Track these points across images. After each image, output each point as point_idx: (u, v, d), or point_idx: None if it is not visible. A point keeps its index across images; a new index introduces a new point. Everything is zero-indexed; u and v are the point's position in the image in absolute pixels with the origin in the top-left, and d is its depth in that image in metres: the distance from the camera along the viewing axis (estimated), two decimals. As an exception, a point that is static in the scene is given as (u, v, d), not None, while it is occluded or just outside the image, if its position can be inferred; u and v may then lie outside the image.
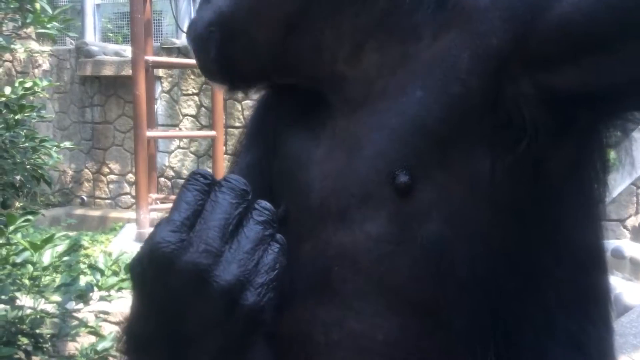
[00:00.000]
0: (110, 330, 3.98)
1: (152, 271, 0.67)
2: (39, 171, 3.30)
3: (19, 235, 2.72)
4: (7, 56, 8.56)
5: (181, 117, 8.41)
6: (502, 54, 0.80)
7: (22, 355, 2.75)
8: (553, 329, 0.84)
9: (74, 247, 3.07)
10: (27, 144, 3.23)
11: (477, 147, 0.81)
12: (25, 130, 3.27)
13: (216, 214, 0.67)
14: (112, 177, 8.95)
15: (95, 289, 2.81)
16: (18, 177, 3.26)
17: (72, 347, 3.72)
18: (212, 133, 7.26)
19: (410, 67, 0.86)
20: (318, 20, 0.87)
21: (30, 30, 3.81)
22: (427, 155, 0.82)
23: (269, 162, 0.94)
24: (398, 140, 0.83)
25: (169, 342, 0.70)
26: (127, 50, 8.58)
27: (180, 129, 8.39)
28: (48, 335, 2.87)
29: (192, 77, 8.29)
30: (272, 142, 0.95)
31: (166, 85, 8.44)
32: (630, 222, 6.69)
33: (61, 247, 2.77)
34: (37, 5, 3.34)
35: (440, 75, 0.84)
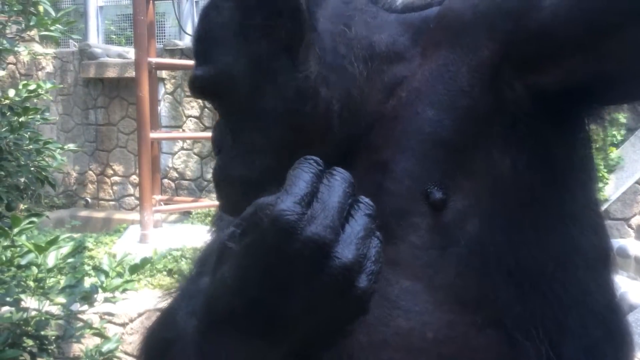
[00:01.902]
0: (115, 332, 3.98)
1: (272, 238, 0.65)
2: (43, 173, 3.30)
3: (23, 237, 2.72)
4: (11, 59, 8.58)
5: (184, 118, 8.42)
6: (494, 62, 0.87)
7: (27, 357, 2.76)
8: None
9: (79, 249, 3.07)
10: (31, 146, 3.24)
11: (493, 150, 0.87)
12: (29, 133, 3.28)
13: (333, 196, 0.67)
14: (116, 178, 8.97)
15: (100, 290, 2.82)
16: (22, 180, 3.27)
17: (77, 349, 3.73)
18: (215, 134, 7.26)
19: (411, 87, 0.93)
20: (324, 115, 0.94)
21: (33, 32, 3.81)
22: (452, 168, 0.88)
23: None
24: (422, 159, 0.89)
25: (261, 319, 0.68)
26: (130, 52, 8.60)
27: (183, 131, 8.40)
28: (53, 337, 2.88)
29: (195, 78, 8.30)
30: None
31: (169, 86, 8.45)
32: (634, 221, 6.66)
33: (65, 248, 2.77)
34: (41, 8, 3.35)
35: (444, 91, 0.90)
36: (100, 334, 3.09)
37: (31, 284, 2.82)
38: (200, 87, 0.97)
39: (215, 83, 0.95)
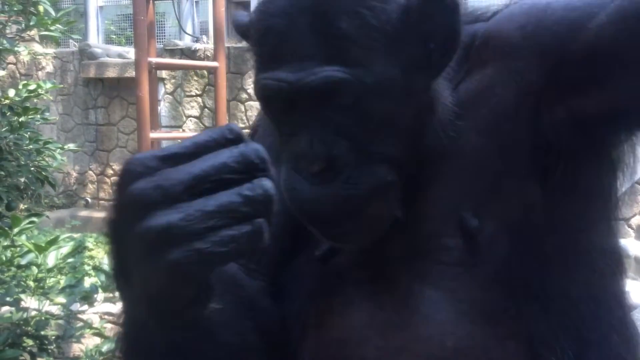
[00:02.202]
0: (115, 332, 3.97)
1: (116, 185, 0.68)
2: (43, 173, 3.31)
3: (23, 237, 2.73)
4: (11, 59, 8.57)
5: (184, 118, 8.41)
6: (540, 86, 0.87)
7: (27, 357, 2.76)
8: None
9: (79, 249, 3.08)
10: (31, 146, 3.24)
11: (527, 176, 0.89)
12: (29, 133, 3.28)
13: (203, 163, 0.62)
14: (116, 178, 8.96)
15: (100, 290, 2.82)
16: (22, 179, 3.27)
17: (77, 349, 3.72)
18: (215, 134, 7.26)
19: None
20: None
21: (33, 32, 3.81)
22: (487, 194, 0.90)
23: None
24: (460, 184, 0.91)
25: (122, 277, 0.70)
26: (130, 52, 8.59)
27: (183, 130, 8.39)
28: (53, 337, 2.88)
29: (195, 78, 8.30)
30: None
31: (169, 86, 8.45)
32: (634, 221, 6.66)
33: (65, 248, 2.77)
34: (41, 8, 3.35)
35: (489, 115, 0.91)
36: (100, 333, 3.09)
37: (31, 283, 2.82)
38: (331, 89, 0.84)
39: (356, 86, 0.84)
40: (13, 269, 2.78)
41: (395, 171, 0.86)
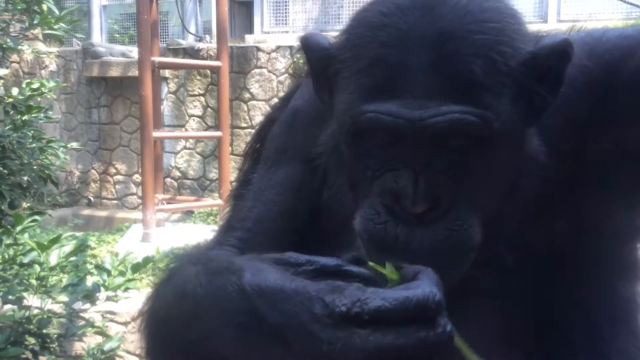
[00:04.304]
0: (117, 330, 3.99)
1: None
2: (46, 172, 3.31)
3: (26, 235, 2.73)
4: (15, 57, 8.59)
5: (187, 117, 8.42)
6: (587, 114, 0.88)
7: (29, 355, 2.76)
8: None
9: (81, 248, 3.08)
10: (34, 145, 3.25)
11: (561, 206, 0.91)
12: (32, 131, 3.28)
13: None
14: (119, 177, 8.97)
15: (102, 289, 2.82)
16: (25, 178, 3.27)
17: (79, 347, 3.73)
18: (218, 134, 7.27)
19: None
20: None
21: (37, 31, 3.82)
22: (523, 226, 0.91)
23: None
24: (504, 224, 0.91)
25: None
26: (133, 51, 8.61)
27: (186, 130, 8.40)
28: (55, 335, 2.88)
29: (198, 77, 8.31)
30: None
31: (172, 85, 8.46)
32: (637, 223, 6.65)
33: (68, 247, 2.77)
34: (44, 7, 3.35)
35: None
36: (102, 332, 3.09)
37: (34, 282, 2.82)
38: (457, 131, 0.81)
39: (482, 130, 0.81)
40: (15, 267, 2.78)
41: (491, 213, 0.86)
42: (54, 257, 2.71)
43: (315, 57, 0.92)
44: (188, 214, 7.97)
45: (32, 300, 2.84)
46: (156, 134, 6.97)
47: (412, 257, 0.81)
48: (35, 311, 2.82)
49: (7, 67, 4.68)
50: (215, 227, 5.41)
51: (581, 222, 0.90)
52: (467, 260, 0.84)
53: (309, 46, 0.93)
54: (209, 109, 8.27)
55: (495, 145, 0.82)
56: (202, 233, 6.08)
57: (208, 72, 8.11)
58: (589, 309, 0.92)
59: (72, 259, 2.86)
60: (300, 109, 1.10)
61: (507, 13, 0.85)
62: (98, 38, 10.03)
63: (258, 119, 7.78)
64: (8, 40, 3.41)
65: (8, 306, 2.86)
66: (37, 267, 2.74)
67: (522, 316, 0.89)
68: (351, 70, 0.85)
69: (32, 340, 2.80)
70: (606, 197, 0.90)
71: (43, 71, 9.17)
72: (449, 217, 0.81)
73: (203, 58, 8.00)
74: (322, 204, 1.04)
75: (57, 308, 2.91)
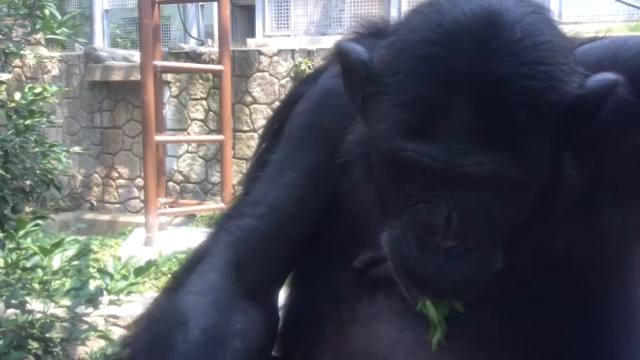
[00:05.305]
0: (120, 334, 3.98)
1: None
2: (49, 176, 3.31)
3: (28, 239, 2.73)
4: (17, 62, 8.61)
5: (189, 121, 8.43)
6: (608, 122, 0.85)
7: (32, 359, 2.76)
8: None
9: (84, 252, 3.09)
10: (36, 149, 3.25)
11: (581, 214, 0.90)
12: (35, 136, 3.29)
13: None
14: (121, 181, 8.98)
15: (105, 293, 2.82)
16: (28, 182, 3.27)
17: (81, 351, 3.73)
18: (220, 137, 7.27)
19: None
20: None
21: (39, 36, 3.82)
22: (542, 238, 0.91)
23: None
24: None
25: None
26: (135, 56, 8.62)
27: (188, 134, 8.41)
28: (58, 340, 2.88)
29: (200, 81, 8.32)
30: None
31: (174, 89, 8.47)
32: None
33: (71, 251, 2.77)
34: (47, 12, 3.36)
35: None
36: (105, 336, 3.09)
37: (36, 286, 2.82)
38: (494, 180, 0.80)
39: (520, 176, 0.80)
40: (18, 271, 2.79)
41: (518, 236, 0.87)
42: (56, 261, 2.71)
43: (353, 68, 0.88)
44: (190, 217, 7.98)
45: (35, 305, 2.84)
46: (158, 137, 6.97)
47: (439, 289, 0.83)
48: (38, 315, 2.82)
49: (9, 72, 4.69)
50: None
51: (600, 230, 0.90)
52: (487, 282, 0.86)
53: (346, 56, 0.89)
54: (211, 112, 8.28)
55: (531, 184, 0.82)
56: (204, 237, 6.07)
57: (210, 76, 8.12)
58: (604, 315, 0.92)
59: (75, 263, 2.86)
60: (331, 88, 1.04)
61: (559, 50, 0.80)
62: (100, 42, 10.06)
63: (260, 122, 7.79)
64: (10, 45, 3.42)
65: (11, 310, 2.86)
66: (39, 271, 2.74)
67: (539, 323, 0.90)
68: (392, 101, 0.82)
69: (35, 344, 2.79)
70: (625, 206, 0.89)
71: (45, 76, 9.19)
72: (476, 251, 0.82)
73: (205, 62, 8.01)
74: (340, 196, 1.01)
75: (60, 312, 2.91)
